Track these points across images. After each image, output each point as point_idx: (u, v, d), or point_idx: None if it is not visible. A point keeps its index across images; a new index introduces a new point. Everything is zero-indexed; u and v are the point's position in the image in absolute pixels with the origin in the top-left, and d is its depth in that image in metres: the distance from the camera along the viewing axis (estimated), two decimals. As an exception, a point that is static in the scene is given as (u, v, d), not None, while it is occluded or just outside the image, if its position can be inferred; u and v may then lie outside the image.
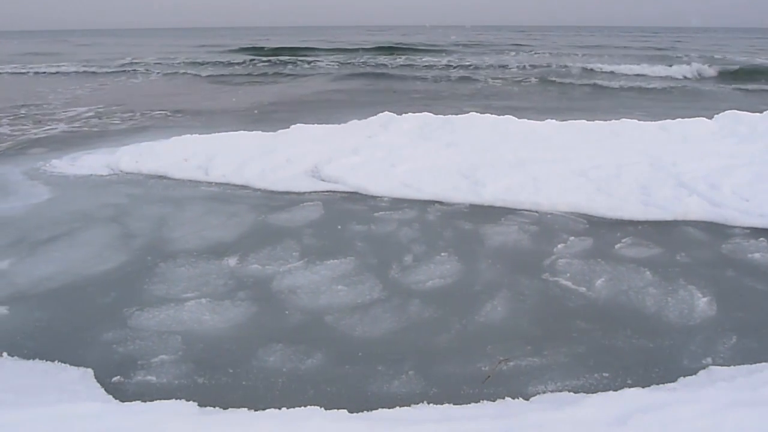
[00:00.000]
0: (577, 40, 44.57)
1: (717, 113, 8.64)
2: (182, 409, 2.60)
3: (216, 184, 6.47)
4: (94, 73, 22.87)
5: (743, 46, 37.80)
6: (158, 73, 22.78)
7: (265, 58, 27.55)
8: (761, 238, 4.69)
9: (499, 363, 3.05)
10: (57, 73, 22.97)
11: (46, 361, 3.12)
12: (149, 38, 62.23)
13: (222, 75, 22.03)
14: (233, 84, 19.23)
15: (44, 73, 22.98)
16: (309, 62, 25.80)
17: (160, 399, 2.73)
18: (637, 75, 20.11)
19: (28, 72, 23.29)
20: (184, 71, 23.08)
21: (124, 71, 23.30)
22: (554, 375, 2.96)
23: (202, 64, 25.63)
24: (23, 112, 12.58)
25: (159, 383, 2.93)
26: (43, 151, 8.33)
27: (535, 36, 54.00)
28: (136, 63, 25.86)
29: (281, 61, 26.78)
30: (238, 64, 25.80)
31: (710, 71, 20.46)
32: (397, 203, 5.69)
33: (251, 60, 26.72)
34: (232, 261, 4.32)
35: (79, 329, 3.44)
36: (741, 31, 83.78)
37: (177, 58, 28.28)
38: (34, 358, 3.12)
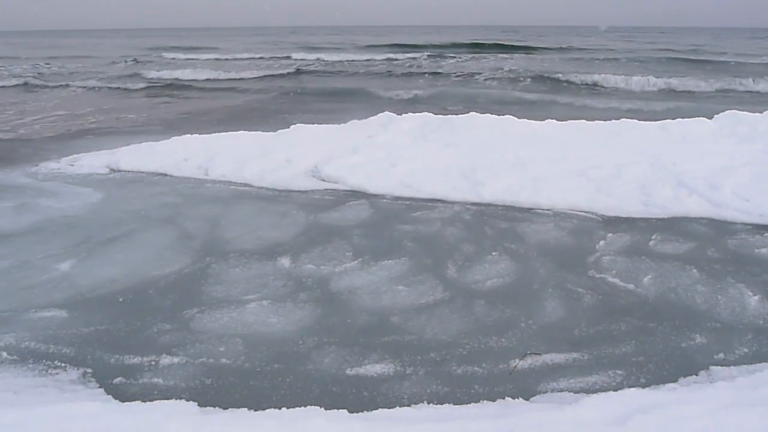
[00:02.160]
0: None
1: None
2: (182, 409, 2.60)
3: (245, 184, 6.46)
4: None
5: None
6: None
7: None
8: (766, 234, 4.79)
9: (524, 357, 3.09)
10: None
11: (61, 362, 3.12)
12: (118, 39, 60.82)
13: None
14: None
15: None
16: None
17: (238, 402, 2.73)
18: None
19: None
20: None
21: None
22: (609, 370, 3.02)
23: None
24: None
25: (235, 385, 2.92)
26: None
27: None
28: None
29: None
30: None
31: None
32: (445, 205, 5.67)
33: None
34: (282, 261, 4.34)
35: (140, 332, 3.42)
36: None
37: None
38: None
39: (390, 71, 22.30)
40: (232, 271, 4.18)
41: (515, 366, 3.02)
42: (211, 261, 4.34)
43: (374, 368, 3.05)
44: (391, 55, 28.73)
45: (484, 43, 35.82)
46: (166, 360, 3.12)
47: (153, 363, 3.10)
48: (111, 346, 3.26)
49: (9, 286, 3.95)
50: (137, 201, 5.82)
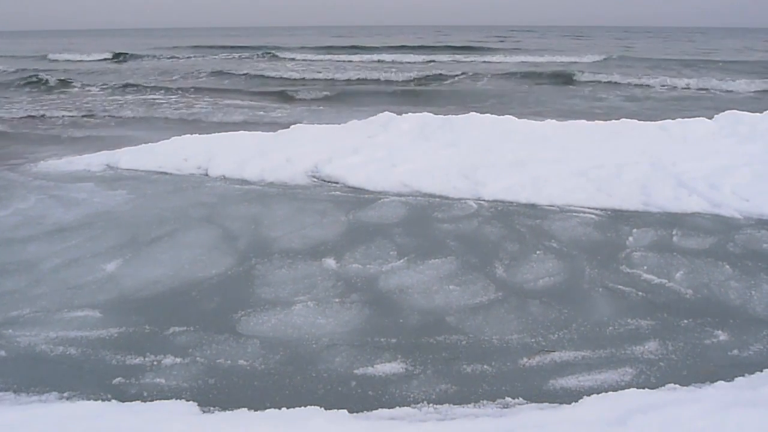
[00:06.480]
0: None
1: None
2: (182, 409, 2.60)
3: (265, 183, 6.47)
4: None
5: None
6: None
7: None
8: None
9: (539, 353, 3.10)
10: None
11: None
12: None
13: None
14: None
15: None
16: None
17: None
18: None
19: None
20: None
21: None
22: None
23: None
24: None
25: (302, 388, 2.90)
26: None
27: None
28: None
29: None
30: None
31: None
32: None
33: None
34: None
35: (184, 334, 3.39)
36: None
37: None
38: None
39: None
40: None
41: (525, 364, 3.03)
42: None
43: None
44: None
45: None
46: (178, 361, 3.10)
47: (167, 364, 3.08)
48: (126, 349, 3.22)
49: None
50: (134, 200, 5.82)
